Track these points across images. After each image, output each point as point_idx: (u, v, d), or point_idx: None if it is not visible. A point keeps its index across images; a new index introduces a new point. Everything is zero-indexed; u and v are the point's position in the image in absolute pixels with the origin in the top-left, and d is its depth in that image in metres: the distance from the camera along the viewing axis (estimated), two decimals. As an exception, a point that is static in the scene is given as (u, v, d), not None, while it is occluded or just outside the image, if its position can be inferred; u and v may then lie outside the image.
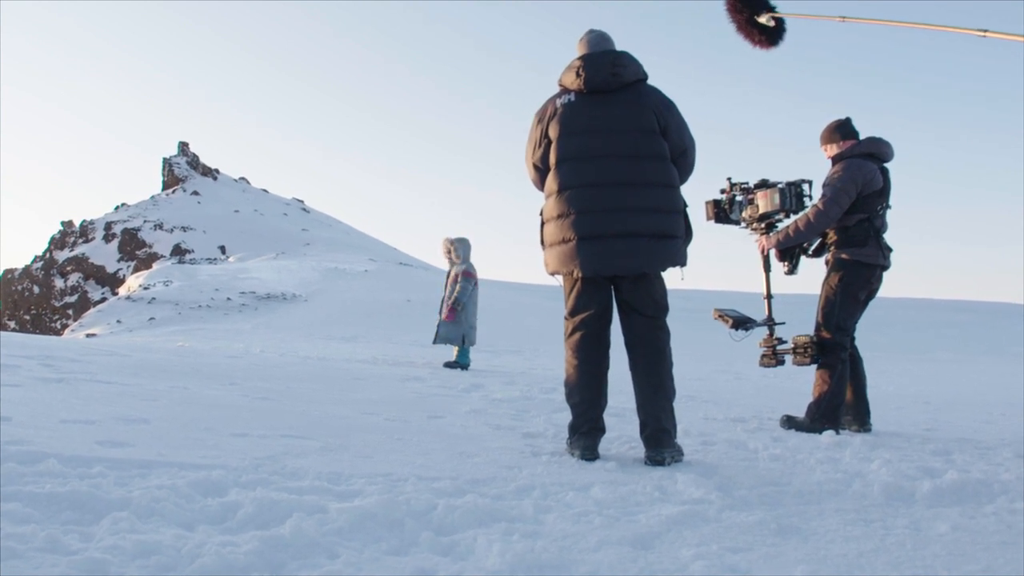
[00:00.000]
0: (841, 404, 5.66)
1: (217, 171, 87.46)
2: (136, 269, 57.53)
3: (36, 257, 73.03)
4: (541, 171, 4.33)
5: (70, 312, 62.80)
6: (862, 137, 5.83)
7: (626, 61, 4.17)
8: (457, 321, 10.15)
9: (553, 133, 4.22)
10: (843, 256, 5.69)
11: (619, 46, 4.33)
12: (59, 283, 68.13)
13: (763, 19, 5.22)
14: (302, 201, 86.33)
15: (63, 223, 77.00)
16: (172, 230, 69.41)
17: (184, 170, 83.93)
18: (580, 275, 4.15)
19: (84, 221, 75.22)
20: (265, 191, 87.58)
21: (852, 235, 5.67)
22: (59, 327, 59.23)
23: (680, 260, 4.21)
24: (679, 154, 4.20)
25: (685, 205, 4.27)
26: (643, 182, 4.08)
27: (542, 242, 4.38)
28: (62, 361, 6.34)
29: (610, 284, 4.24)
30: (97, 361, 6.62)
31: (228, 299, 27.88)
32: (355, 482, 3.17)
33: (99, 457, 3.18)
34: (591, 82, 4.14)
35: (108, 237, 71.01)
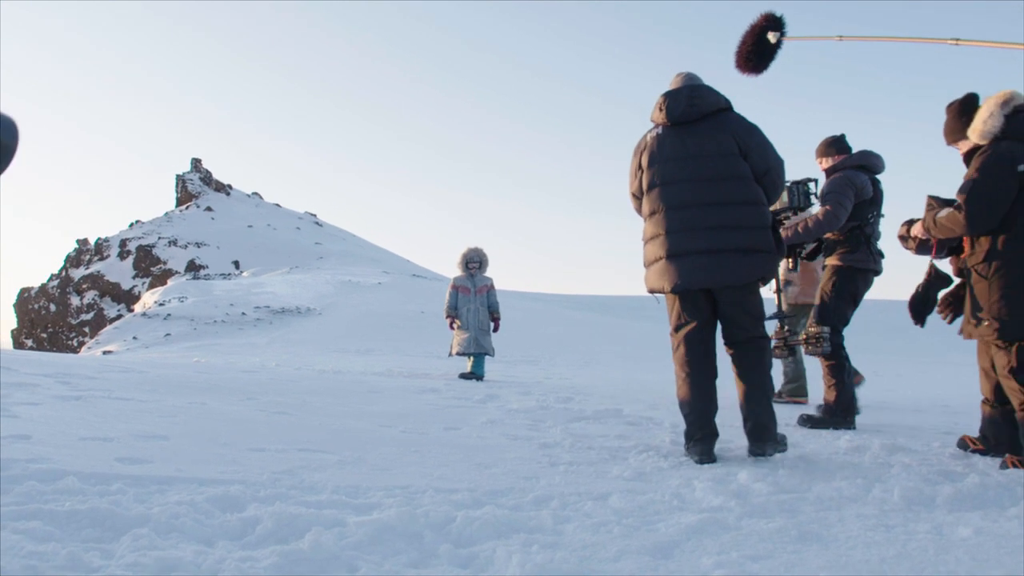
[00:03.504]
0: (853, 397, 6.10)
1: (230, 187, 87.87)
2: (151, 285, 57.85)
3: (52, 275, 73.47)
4: (639, 198, 4.66)
5: (86, 329, 63.15)
6: (855, 151, 6.27)
7: (703, 93, 4.46)
8: (491, 333, 10.40)
9: (645, 163, 4.55)
10: (837, 262, 6.13)
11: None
12: (75, 301, 68.50)
13: (772, 37, 5.43)
14: (315, 215, 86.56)
15: (78, 241, 77.46)
16: (186, 246, 69.72)
17: (197, 186, 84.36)
18: (669, 290, 4.42)
19: (99, 239, 75.67)
20: (278, 205, 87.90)
21: (845, 241, 6.12)
22: (76, 345, 59.61)
23: (766, 273, 4.43)
24: (762, 174, 4.44)
25: (773, 222, 4.51)
26: (724, 201, 4.34)
27: (644, 261, 4.72)
28: (80, 379, 6.37)
29: (709, 297, 4.48)
30: (114, 378, 6.64)
31: (243, 314, 27.96)
32: (373, 495, 3.18)
33: (118, 474, 3.20)
34: (672, 114, 4.47)
35: (123, 254, 71.37)
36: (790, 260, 6.22)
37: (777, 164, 4.45)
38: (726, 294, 4.40)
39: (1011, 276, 4.31)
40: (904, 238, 5.06)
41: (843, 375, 6.06)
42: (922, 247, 4.97)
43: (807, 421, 5.99)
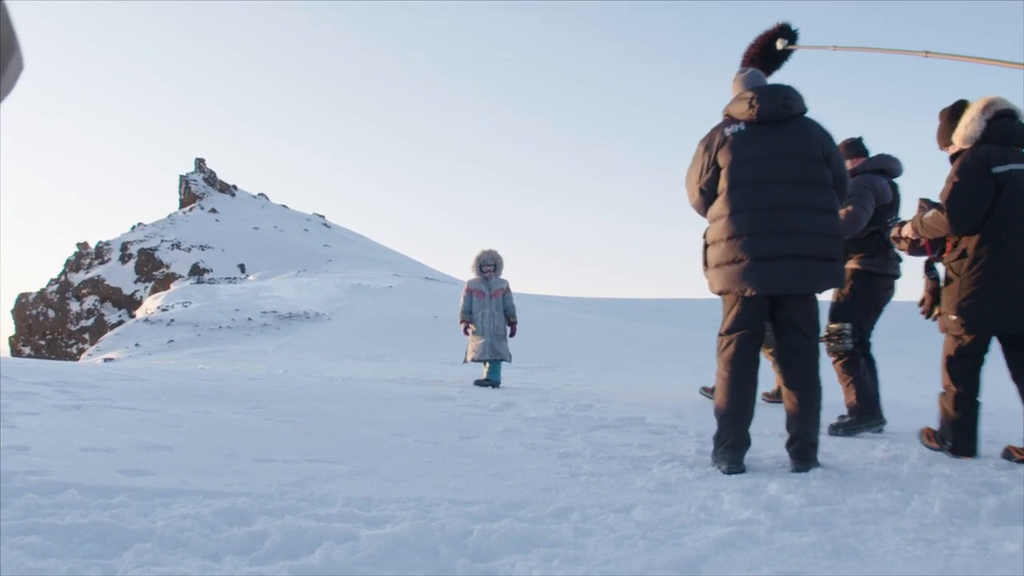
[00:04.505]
0: (876, 393, 6.16)
1: (235, 187, 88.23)
2: (154, 290, 58.11)
3: (51, 280, 73.82)
4: (707, 196, 4.65)
5: (86, 336, 63.47)
6: (872, 155, 6.38)
7: (795, 95, 4.55)
8: (507, 338, 10.38)
9: (723, 160, 4.55)
10: (856, 266, 6.19)
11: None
12: (75, 306, 68.85)
13: (780, 44, 5.74)
14: (323, 216, 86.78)
15: (78, 244, 77.78)
16: (190, 249, 70.04)
17: (201, 187, 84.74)
18: (751, 293, 4.42)
19: (100, 242, 76.01)
20: (285, 207, 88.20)
21: (864, 246, 6.20)
22: (75, 352, 59.87)
23: (841, 281, 4.54)
24: (839, 180, 4.54)
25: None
26: (809, 206, 4.40)
27: (705, 263, 4.79)
28: (80, 387, 6.39)
29: (769, 304, 4.53)
30: (116, 386, 6.66)
31: (249, 319, 28.04)
32: (386, 507, 3.17)
33: (121, 486, 3.20)
34: (763, 112, 4.49)
35: (124, 258, 71.73)
36: None
37: (847, 174, 4.60)
38: (794, 301, 4.47)
39: (979, 273, 4.71)
40: (897, 239, 5.37)
41: (858, 370, 6.12)
42: (914, 247, 5.28)
43: (838, 429, 5.99)
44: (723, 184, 4.53)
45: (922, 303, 5.25)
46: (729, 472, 4.26)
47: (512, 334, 10.55)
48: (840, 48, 5.93)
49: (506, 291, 10.60)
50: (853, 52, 5.88)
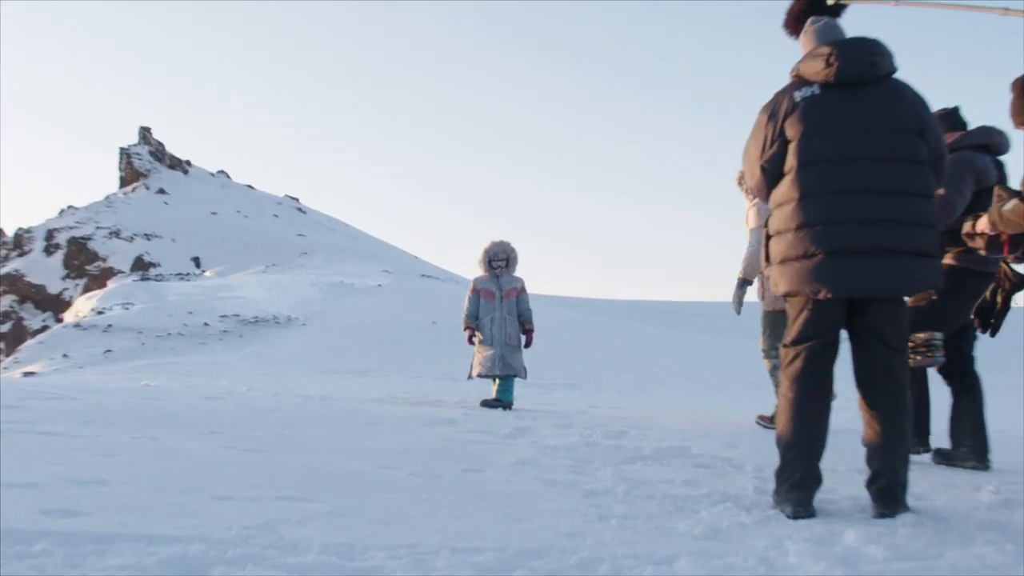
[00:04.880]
0: (923, 417, 6.31)
1: (188, 163, 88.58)
2: (87, 289, 58.28)
3: (-40, 276, 74.06)
4: (771, 175, 4.59)
5: (1, 345, 63.72)
6: (972, 127, 6.32)
7: (884, 50, 4.47)
8: (521, 349, 10.32)
9: (792, 132, 4.47)
10: (951, 261, 6.05)
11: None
12: (-11, 308, 69.11)
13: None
14: (297, 199, 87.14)
15: (-7, 232, 78.15)
16: (132, 238, 70.31)
17: (147, 162, 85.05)
18: (826, 296, 4.35)
19: (19, 229, 76.32)
20: (250, 187, 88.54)
21: (959, 237, 5.82)
22: (-9, 364, 60.07)
23: (937, 281, 4.48)
24: (936, 158, 4.49)
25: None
26: (901, 189, 4.34)
27: (767, 258, 4.68)
28: (-4, 407, 6.40)
29: (847, 310, 4.46)
30: (39, 407, 6.67)
31: (205, 325, 28.14)
32: (372, 556, 3.18)
33: (43, 530, 3.20)
34: (844, 72, 4.40)
35: (50, 249, 72.01)
36: None
37: (946, 150, 4.53)
38: (879, 305, 4.41)
39: None
40: (971, 235, 5.13)
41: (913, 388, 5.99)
42: (992, 245, 5.05)
43: (943, 458, 6.00)
44: (791, 161, 4.47)
45: (980, 312, 5.15)
46: (795, 516, 4.23)
47: (528, 344, 10.52)
48: (903, 3, 5.80)
49: (521, 291, 10.56)
50: (917, 8, 5.80)
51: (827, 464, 4.54)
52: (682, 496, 4.67)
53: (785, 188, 4.49)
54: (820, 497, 4.57)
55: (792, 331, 4.55)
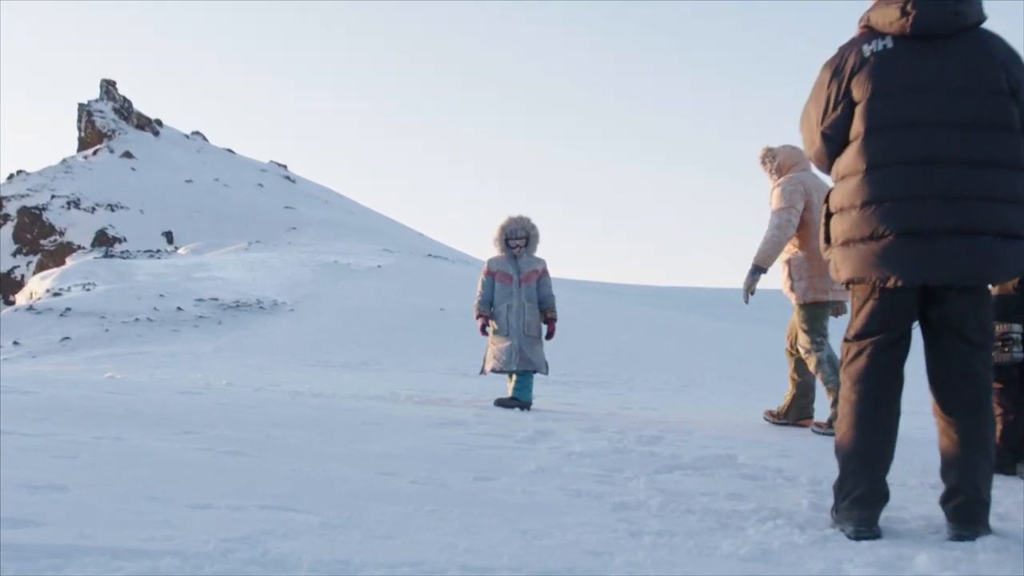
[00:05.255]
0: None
1: (159, 123, 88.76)
2: (41, 267, 58.59)
3: None
4: (834, 142, 4.55)
5: (-52, 330, 64.00)
6: None
7: None
8: (542, 341, 10.25)
9: (860, 92, 4.41)
10: None
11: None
12: (-70, 288, 69.43)
13: None
14: (284, 166, 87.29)
15: (-66, 201, 78.39)
16: (94, 209, 70.54)
17: (110, 121, 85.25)
18: (896, 283, 4.31)
19: (-35, 197, 76.58)
20: (230, 151, 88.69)
21: None
22: (-68, 352, 60.36)
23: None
24: None
25: None
26: (987, 160, 4.27)
27: (827, 238, 4.64)
28: (-61, 401, 6.45)
29: (920, 300, 4.42)
30: (-11, 401, 6.72)
31: (179, 309, 28.19)
32: (370, 574, 3.20)
33: (-5, 541, 3.23)
34: (923, 22, 4.31)
35: None
36: None
37: None
38: (957, 295, 4.37)
39: None
40: None
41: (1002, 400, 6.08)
42: None
43: None
44: (858, 126, 4.43)
45: None
46: (857, 537, 4.22)
47: (550, 335, 10.48)
48: None
49: (542, 274, 10.50)
50: None
51: (895, 478, 4.54)
52: (726, 511, 4.68)
53: (850, 158, 4.45)
54: (886, 515, 4.57)
55: (855, 323, 4.52)
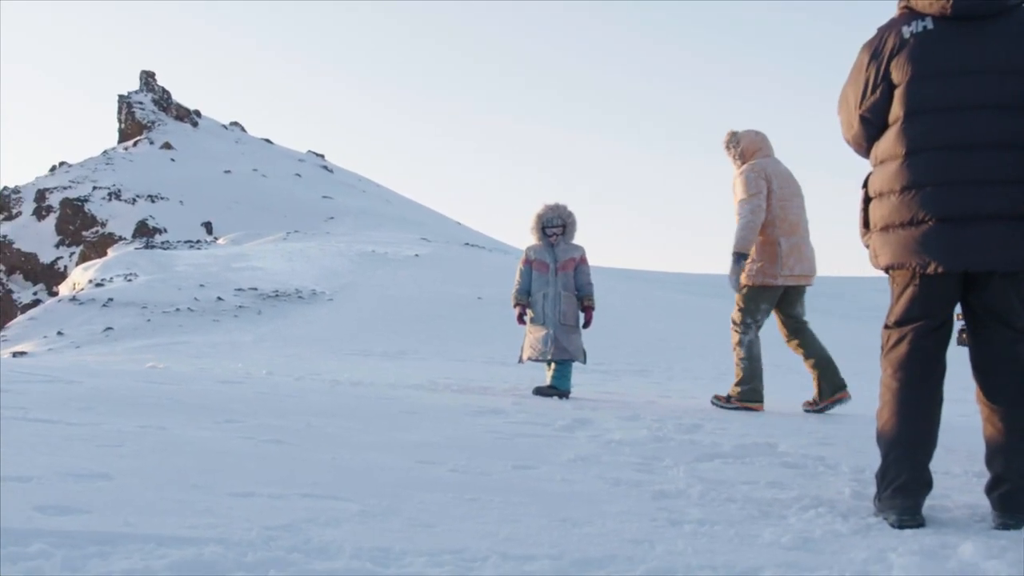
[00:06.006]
0: None
1: (198, 113, 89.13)
2: (84, 258, 58.86)
3: (-60, 242, 74.78)
4: (872, 126, 4.52)
5: (-10, 321, 64.51)
6: None
7: None
8: (579, 330, 10.21)
9: (899, 74, 4.38)
10: None
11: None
12: (-28, 279, 69.91)
13: None
14: (322, 156, 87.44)
15: (-25, 192, 78.93)
16: (134, 200, 70.91)
17: (150, 112, 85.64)
18: (937, 270, 4.28)
19: (5, 189, 77.17)
20: (268, 142, 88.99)
21: None
22: (-25, 343, 60.82)
23: None
24: None
25: None
26: None
27: (865, 223, 4.62)
28: (-17, 391, 6.49)
29: (961, 285, 4.39)
30: (31, 391, 6.76)
31: (219, 299, 28.32)
32: (411, 562, 3.21)
33: (39, 529, 3.25)
34: (965, 2, 4.25)
35: (41, 211, 72.80)
36: None
37: None
38: (1001, 282, 4.31)
39: None
40: None
41: None
42: None
43: None
44: (897, 110, 4.39)
45: None
46: (901, 525, 4.19)
47: (587, 324, 10.44)
48: None
49: (580, 262, 10.45)
50: None
51: (938, 466, 4.51)
52: (767, 500, 4.67)
53: (889, 142, 4.42)
54: (930, 504, 4.54)
55: (896, 310, 4.49)
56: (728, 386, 9.23)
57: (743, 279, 8.93)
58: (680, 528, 3.98)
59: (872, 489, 4.56)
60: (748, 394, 8.96)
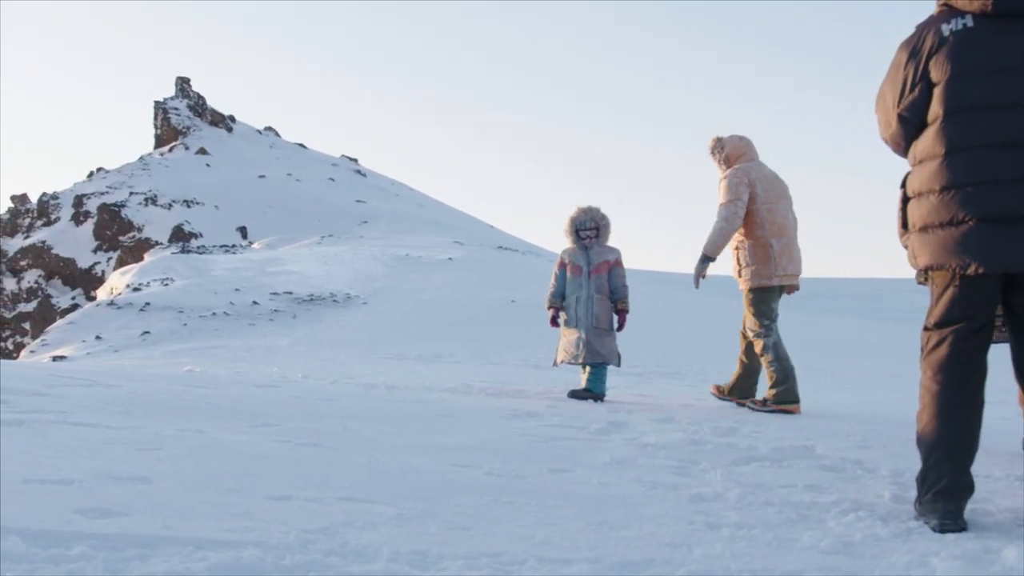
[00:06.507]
0: None
1: (232, 119, 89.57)
2: (121, 263, 59.25)
3: (-22, 248, 75.28)
4: (911, 125, 4.48)
5: (26, 325, 65.01)
6: None
7: None
8: (613, 333, 10.16)
9: (938, 73, 4.34)
10: None
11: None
12: (9, 284, 70.46)
13: None
14: (355, 160, 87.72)
15: (13, 198, 79.59)
16: (170, 205, 71.31)
17: (185, 118, 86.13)
18: (977, 270, 4.23)
19: (44, 195, 77.74)
20: (302, 146, 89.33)
21: None
22: (11, 347, 61.39)
23: None
24: None
25: None
26: None
27: (904, 224, 4.60)
28: (21, 395, 6.51)
29: (1003, 286, 4.35)
30: (71, 395, 6.79)
31: (254, 303, 28.44)
32: (448, 565, 3.21)
33: (80, 532, 3.26)
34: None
35: (79, 217, 73.31)
36: None
37: None
38: None
39: None
40: None
41: None
42: None
43: None
44: (936, 109, 4.35)
45: None
46: (942, 529, 4.16)
47: (621, 327, 10.39)
48: None
49: (614, 264, 10.39)
50: None
51: (980, 469, 4.47)
52: (806, 503, 4.65)
53: (928, 141, 4.38)
54: (972, 507, 4.50)
55: (935, 312, 4.44)
56: (762, 387, 9.22)
57: (743, 285, 9.16)
58: (718, 532, 3.97)
59: (912, 493, 4.54)
60: (784, 395, 8.97)
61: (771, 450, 6.23)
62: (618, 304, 10.24)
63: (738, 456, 6.04)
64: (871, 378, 15.90)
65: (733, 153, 9.28)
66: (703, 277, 9.32)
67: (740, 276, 9.16)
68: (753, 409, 9.02)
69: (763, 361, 9.08)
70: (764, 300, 9.08)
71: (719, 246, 9.12)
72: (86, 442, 5.04)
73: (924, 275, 4.69)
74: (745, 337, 9.29)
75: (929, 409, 4.37)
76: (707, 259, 9.18)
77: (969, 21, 4.29)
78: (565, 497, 4.51)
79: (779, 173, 9.36)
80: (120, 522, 3.45)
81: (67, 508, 3.59)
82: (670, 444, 6.39)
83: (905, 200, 4.60)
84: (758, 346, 9.03)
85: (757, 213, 8.98)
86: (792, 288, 9.27)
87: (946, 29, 4.33)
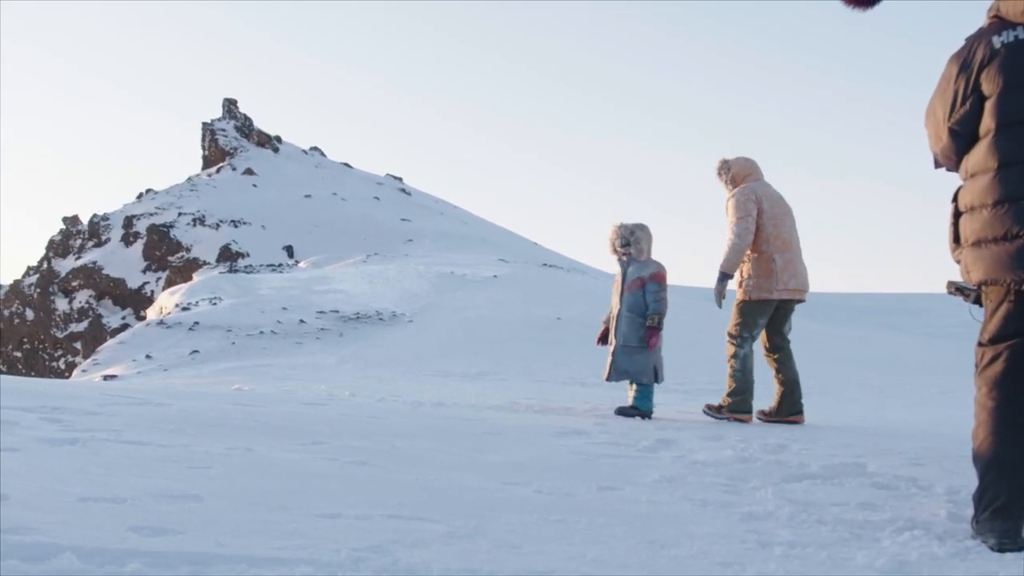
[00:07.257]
0: None
1: (279, 139, 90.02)
2: (170, 283, 59.65)
3: (28, 268, 75.97)
4: (962, 139, 4.44)
5: (78, 345, 65.54)
6: None
7: None
8: (645, 351, 10.06)
9: (990, 86, 4.30)
10: None
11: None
12: (61, 304, 70.96)
13: None
14: (400, 179, 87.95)
15: (65, 220, 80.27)
16: (218, 225, 71.73)
17: (232, 139, 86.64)
18: None
19: (95, 216, 78.33)
20: (347, 166, 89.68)
21: None
22: (63, 366, 61.93)
23: None
24: None
25: None
26: None
27: (956, 238, 4.56)
28: (74, 414, 6.57)
29: None
30: (123, 413, 6.84)
31: (301, 322, 28.54)
32: (500, 585, 3.18)
33: (133, 549, 3.27)
34: None
35: (128, 238, 73.83)
36: None
37: None
38: None
39: None
40: None
41: None
42: None
43: None
44: (989, 122, 4.31)
45: None
46: (1001, 548, 4.11)
47: (649, 345, 10.18)
48: None
49: (649, 280, 10.20)
50: None
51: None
52: (859, 522, 4.62)
53: (980, 155, 4.33)
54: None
55: (990, 327, 4.39)
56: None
57: (740, 295, 9.60)
58: (771, 551, 3.94)
59: (969, 511, 4.49)
60: (739, 405, 9.52)
61: (822, 467, 6.19)
62: (648, 321, 10.12)
63: (789, 474, 6.00)
64: (925, 395, 15.77)
65: (739, 173, 9.64)
66: (723, 296, 9.66)
67: (740, 287, 9.51)
68: (708, 414, 9.57)
69: (728, 366, 9.64)
70: (755, 313, 9.48)
71: (735, 263, 9.49)
72: (138, 460, 5.07)
73: (954, 286, 4.67)
74: (771, 354, 9.63)
75: (985, 426, 4.31)
76: (725, 276, 9.52)
77: (1021, 33, 4.25)
78: (615, 515, 4.49)
79: (784, 194, 9.78)
80: (173, 540, 3.47)
81: (120, 526, 3.61)
82: (719, 462, 6.36)
83: (957, 214, 4.55)
84: (729, 351, 9.55)
85: (763, 228, 9.40)
86: (798, 301, 9.64)
87: (997, 41, 4.28)
